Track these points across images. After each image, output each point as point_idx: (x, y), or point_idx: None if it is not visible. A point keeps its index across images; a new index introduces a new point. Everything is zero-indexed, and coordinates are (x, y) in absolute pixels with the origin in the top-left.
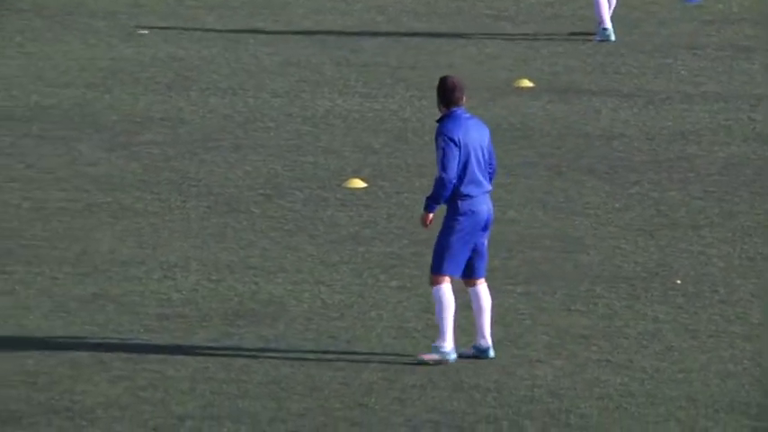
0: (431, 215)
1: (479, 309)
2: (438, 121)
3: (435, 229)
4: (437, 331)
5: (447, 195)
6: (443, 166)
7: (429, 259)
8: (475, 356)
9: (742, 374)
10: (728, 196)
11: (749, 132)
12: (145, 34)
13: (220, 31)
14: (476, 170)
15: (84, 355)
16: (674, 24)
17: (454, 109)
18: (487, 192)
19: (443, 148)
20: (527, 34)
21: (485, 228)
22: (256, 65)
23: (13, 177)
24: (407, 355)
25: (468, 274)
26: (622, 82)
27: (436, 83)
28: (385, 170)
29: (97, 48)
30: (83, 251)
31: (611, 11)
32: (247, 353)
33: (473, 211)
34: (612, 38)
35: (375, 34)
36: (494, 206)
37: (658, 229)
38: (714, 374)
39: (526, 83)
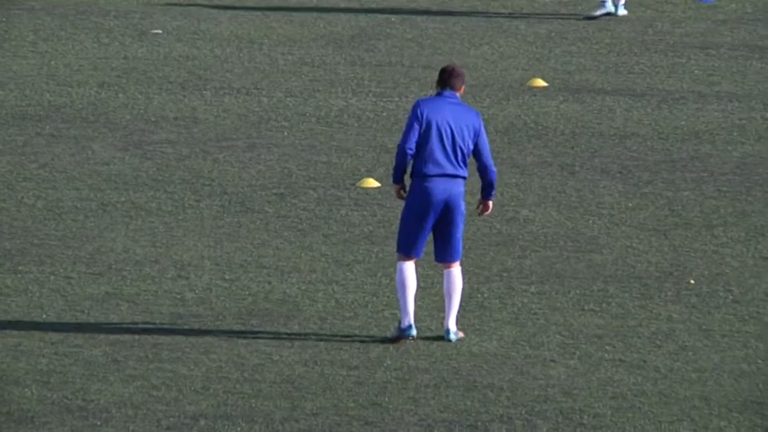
0: (397, 186)
1: (445, 292)
2: None
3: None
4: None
5: (401, 164)
6: (402, 135)
7: None
8: (441, 337)
9: (756, 374)
10: (742, 196)
11: (763, 132)
12: (158, 33)
13: (234, 30)
14: (436, 150)
15: (97, 355)
16: (687, 24)
17: (443, 90)
18: (449, 175)
19: (408, 119)
20: (541, 34)
21: (444, 212)
22: (270, 64)
23: (26, 177)
24: (422, 355)
25: (437, 258)
26: (636, 81)
27: None
28: None
29: (110, 47)
30: (96, 250)
31: None
32: (261, 352)
33: (427, 191)
34: (601, 11)
35: (389, 34)
36: (503, 204)
37: (672, 229)
38: (728, 374)
39: (540, 82)
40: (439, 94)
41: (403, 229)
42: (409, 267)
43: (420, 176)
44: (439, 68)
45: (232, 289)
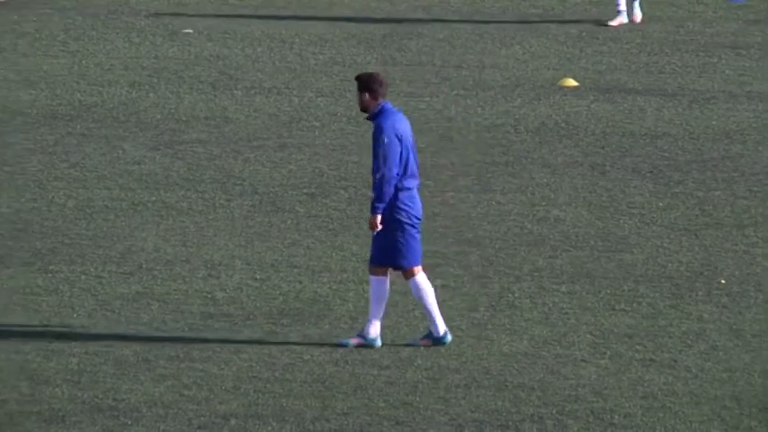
0: (379, 217)
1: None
2: (371, 117)
3: (481, 227)
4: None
5: (388, 192)
6: (387, 163)
7: (474, 258)
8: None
9: None
10: None
11: None
12: (189, 33)
13: (265, 30)
14: (412, 163)
15: (128, 354)
16: (718, 24)
17: (385, 102)
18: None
19: (387, 145)
20: (572, 34)
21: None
22: (301, 64)
23: (57, 176)
24: (453, 355)
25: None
26: (667, 81)
27: (479, 82)
28: (429, 169)
29: (141, 46)
30: (127, 250)
31: None
32: (292, 351)
33: (416, 202)
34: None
35: (420, 34)
36: (534, 204)
37: (703, 229)
38: (759, 374)
39: (571, 82)
40: (386, 108)
41: (410, 244)
42: (424, 276)
43: (405, 190)
44: (470, 69)
45: (263, 288)
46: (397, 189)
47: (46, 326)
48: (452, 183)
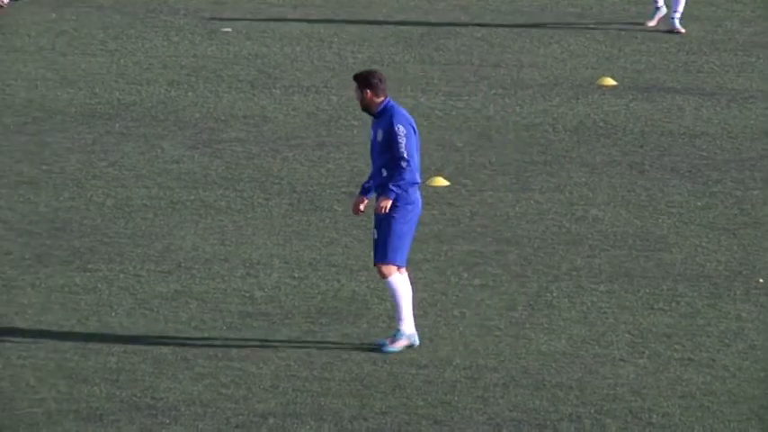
0: (391, 201)
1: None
2: (377, 114)
3: (519, 226)
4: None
5: (408, 184)
6: (409, 153)
7: (513, 257)
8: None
9: None
10: None
11: None
12: (228, 32)
13: (304, 29)
14: (418, 158)
15: (166, 353)
16: (757, 23)
17: (387, 99)
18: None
19: (406, 136)
20: (610, 32)
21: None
22: (340, 63)
23: (95, 175)
24: (491, 354)
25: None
26: (705, 80)
27: (518, 81)
28: (468, 168)
29: (180, 45)
30: (166, 248)
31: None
32: (330, 351)
33: (419, 199)
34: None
35: (458, 33)
36: (573, 203)
37: (741, 228)
38: None
39: (609, 81)
40: (392, 104)
41: (401, 241)
42: (405, 276)
43: (414, 186)
44: (508, 68)
45: (301, 287)
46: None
47: (84, 324)
48: (491, 182)
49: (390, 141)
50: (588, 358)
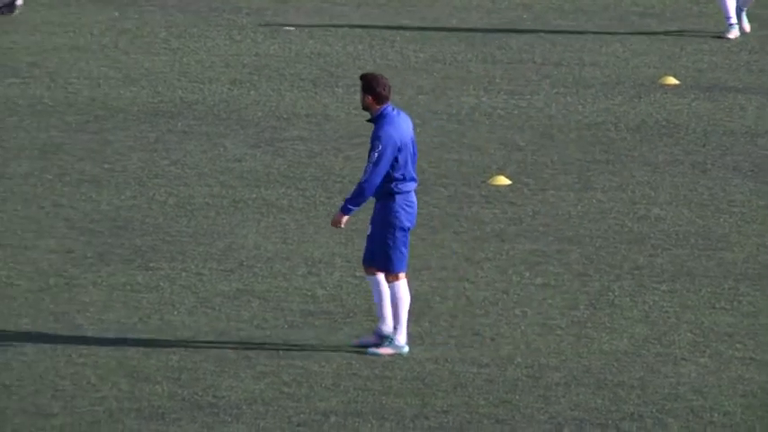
0: (346, 217)
1: (392, 303)
2: (372, 120)
3: (582, 225)
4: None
5: (367, 199)
6: (376, 170)
7: (575, 256)
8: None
9: None
10: None
11: None
12: (290, 30)
13: (366, 27)
14: (410, 167)
15: (228, 351)
16: None
17: (386, 106)
18: (416, 187)
19: (381, 152)
20: (672, 31)
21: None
22: (402, 62)
23: (157, 173)
24: (552, 353)
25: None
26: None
27: (580, 80)
28: (530, 167)
29: (242, 44)
30: (228, 247)
31: (746, 5)
32: None
33: (412, 207)
34: (735, 33)
35: (521, 31)
36: (635, 202)
37: None
38: None
39: (672, 80)
40: (387, 113)
41: (400, 249)
42: (406, 283)
43: (402, 194)
44: (570, 66)
45: (362, 286)
46: (395, 194)
47: (146, 323)
48: (553, 181)
49: (369, 152)
50: (650, 357)
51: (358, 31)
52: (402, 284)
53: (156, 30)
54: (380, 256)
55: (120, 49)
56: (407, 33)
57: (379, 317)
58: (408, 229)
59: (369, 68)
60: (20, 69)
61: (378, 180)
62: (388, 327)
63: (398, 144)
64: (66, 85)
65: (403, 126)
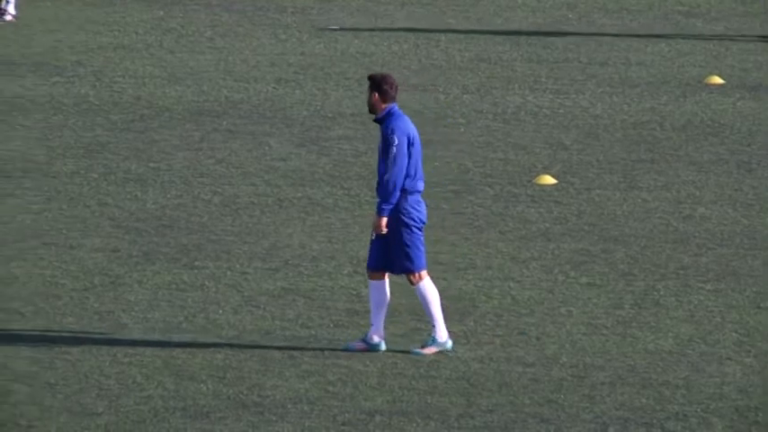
0: (385, 219)
1: (382, 303)
2: (379, 120)
3: (627, 224)
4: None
5: (398, 196)
6: (396, 165)
7: (620, 256)
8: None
9: None
10: None
11: None
12: (335, 30)
13: (411, 27)
14: (420, 167)
15: (273, 350)
16: None
17: (392, 105)
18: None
19: (398, 147)
20: (718, 31)
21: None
22: (447, 61)
23: (202, 172)
24: (598, 352)
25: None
26: None
27: (625, 79)
28: (575, 166)
29: (288, 43)
30: (273, 246)
31: None
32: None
33: (424, 206)
34: None
35: (566, 31)
36: (680, 202)
37: None
38: None
39: (717, 80)
40: (395, 111)
41: (417, 246)
42: (429, 280)
43: (414, 194)
44: (615, 66)
45: (407, 285)
46: (406, 192)
47: (191, 322)
48: (598, 180)
49: (385, 149)
50: (695, 357)
51: (402, 30)
52: (427, 282)
53: (201, 29)
54: (399, 259)
55: (165, 48)
56: (452, 33)
57: (372, 324)
58: (423, 224)
59: (413, 68)
60: (65, 68)
61: (401, 174)
62: (378, 335)
63: (410, 138)
64: (112, 83)
65: (410, 125)
